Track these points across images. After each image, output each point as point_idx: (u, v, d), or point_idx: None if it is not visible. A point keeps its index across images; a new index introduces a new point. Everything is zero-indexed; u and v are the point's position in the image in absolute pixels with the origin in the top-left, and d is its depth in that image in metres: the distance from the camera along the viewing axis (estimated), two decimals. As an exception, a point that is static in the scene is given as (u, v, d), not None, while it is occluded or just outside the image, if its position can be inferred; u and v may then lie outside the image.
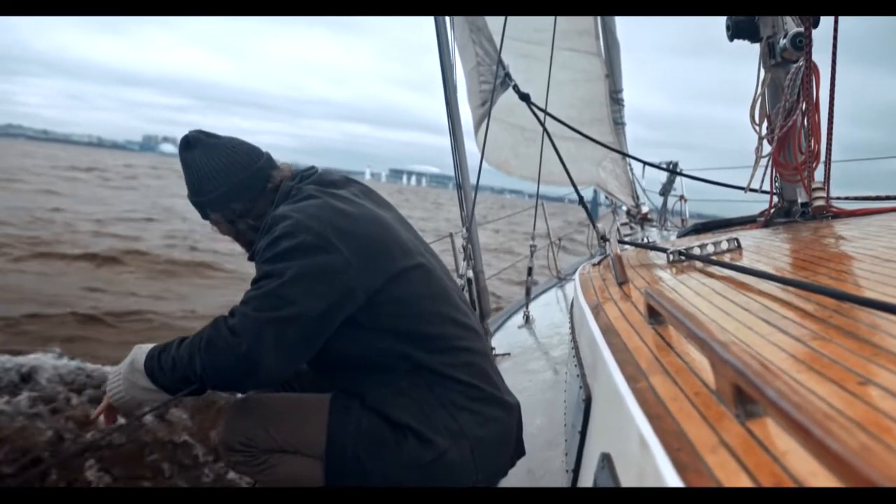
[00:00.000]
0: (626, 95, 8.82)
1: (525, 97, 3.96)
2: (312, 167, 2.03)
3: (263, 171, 1.97)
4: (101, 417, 1.84)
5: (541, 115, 3.98)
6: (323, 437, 1.79)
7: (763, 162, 3.46)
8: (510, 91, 4.24)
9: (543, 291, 6.80)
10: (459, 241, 4.20)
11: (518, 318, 5.49)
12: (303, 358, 1.78)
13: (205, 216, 1.99)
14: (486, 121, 4.90)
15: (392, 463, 1.75)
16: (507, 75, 4.45)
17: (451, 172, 4.28)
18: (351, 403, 1.82)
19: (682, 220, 10.11)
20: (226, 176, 1.91)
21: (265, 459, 1.83)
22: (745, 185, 3.59)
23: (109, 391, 1.80)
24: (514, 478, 2.47)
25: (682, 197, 10.58)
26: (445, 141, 4.28)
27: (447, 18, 4.31)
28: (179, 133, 2.03)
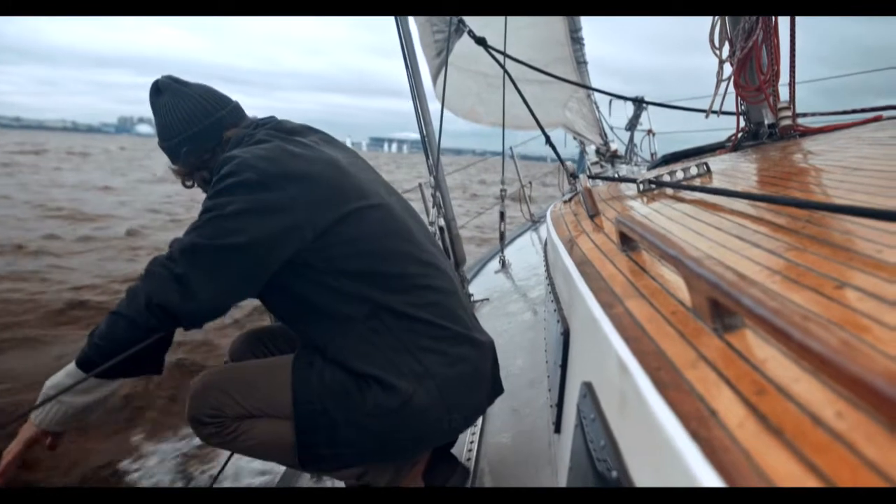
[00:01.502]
0: (591, 49, 8.74)
1: (481, 41, 3.89)
2: (271, 116, 2.00)
3: (223, 121, 1.96)
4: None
5: (500, 57, 3.92)
6: (289, 395, 1.77)
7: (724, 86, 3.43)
8: (468, 38, 4.16)
9: (518, 236, 6.82)
10: (429, 191, 4.17)
11: (494, 264, 5.50)
12: (242, 290, 1.73)
13: (173, 162, 2.00)
14: (443, 70, 4.83)
15: (359, 412, 1.73)
16: (461, 21, 4.36)
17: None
18: (313, 359, 1.80)
19: (652, 155, 10.11)
20: (187, 124, 1.92)
21: (235, 427, 1.81)
22: (714, 111, 3.57)
23: (36, 419, 1.69)
24: (499, 419, 2.48)
25: (649, 131, 10.57)
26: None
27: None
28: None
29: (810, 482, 0.50)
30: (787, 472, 0.52)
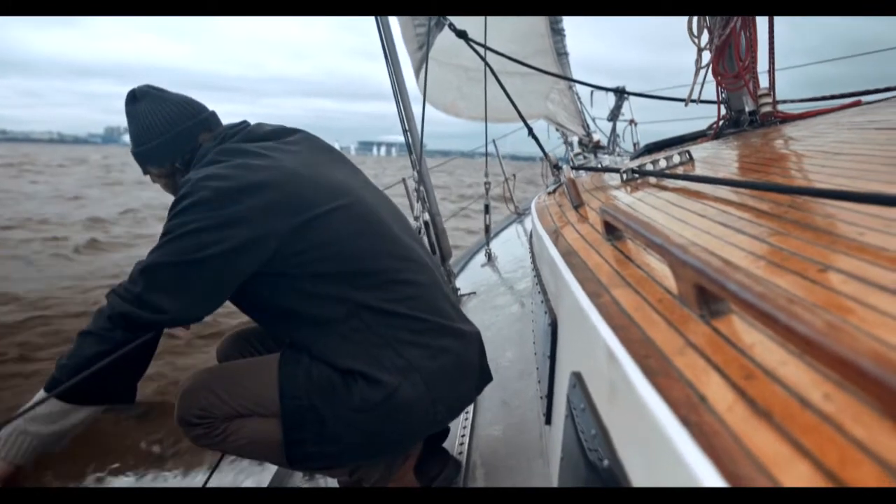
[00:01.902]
0: (578, 46, 8.75)
1: (462, 34, 3.89)
2: (243, 122, 1.99)
3: (202, 124, 1.97)
4: None
5: (481, 50, 3.92)
6: (276, 393, 1.77)
7: (705, 75, 3.45)
8: (449, 32, 4.15)
9: (503, 228, 6.83)
10: (412, 186, 4.17)
11: (480, 257, 5.51)
12: (207, 304, 1.73)
13: (144, 171, 2.01)
14: (424, 64, 4.82)
15: (345, 406, 1.74)
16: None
17: (423, 141, 4.22)
18: (299, 356, 1.80)
19: (634, 145, 10.15)
20: (170, 125, 1.93)
21: (224, 428, 1.81)
22: (693, 99, 3.58)
23: (2, 452, 1.65)
24: (490, 411, 2.49)
25: (631, 121, 10.61)
26: (412, 110, 4.20)
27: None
28: None
29: (798, 463, 0.51)
30: (775, 454, 0.53)
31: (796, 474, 0.50)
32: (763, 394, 0.62)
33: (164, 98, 1.96)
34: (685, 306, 0.89)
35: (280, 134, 1.94)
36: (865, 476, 0.47)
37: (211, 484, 2.17)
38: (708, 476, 0.55)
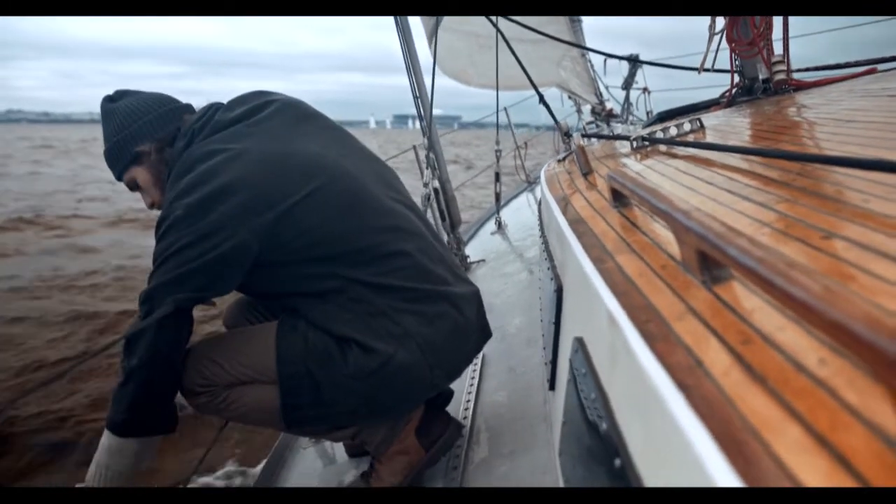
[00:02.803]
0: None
1: None
2: (209, 110, 1.97)
3: (183, 108, 2.02)
4: None
5: (493, 17, 3.88)
6: (274, 359, 1.80)
7: (717, 42, 3.41)
8: (460, -2, 4.11)
9: (514, 197, 6.82)
10: (423, 153, 4.16)
11: (490, 225, 5.51)
12: (210, 295, 1.79)
13: (127, 160, 1.96)
14: (437, 29, 4.79)
15: (340, 373, 1.76)
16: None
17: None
18: (297, 323, 1.82)
19: (647, 113, 10.08)
20: (155, 105, 1.97)
21: (226, 395, 1.84)
22: (707, 68, 3.55)
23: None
24: (495, 378, 2.51)
25: (645, 89, 10.53)
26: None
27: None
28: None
29: (790, 427, 0.51)
30: (768, 417, 0.53)
31: (787, 437, 0.50)
32: (759, 358, 0.62)
33: (143, 93, 2.01)
34: (688, 272, 0.89)
35: (251, 112, 1.91)
36: (854, 440, 0.47)
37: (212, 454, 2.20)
38: (701, 440, 0.55)
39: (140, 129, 1.92)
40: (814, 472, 0.46)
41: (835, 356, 0.58)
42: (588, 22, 8.49)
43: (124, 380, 1.70)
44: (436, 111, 4.26)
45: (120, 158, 1.95)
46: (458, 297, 1.89)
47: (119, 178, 2.00)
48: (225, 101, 2.00)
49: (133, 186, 1.99)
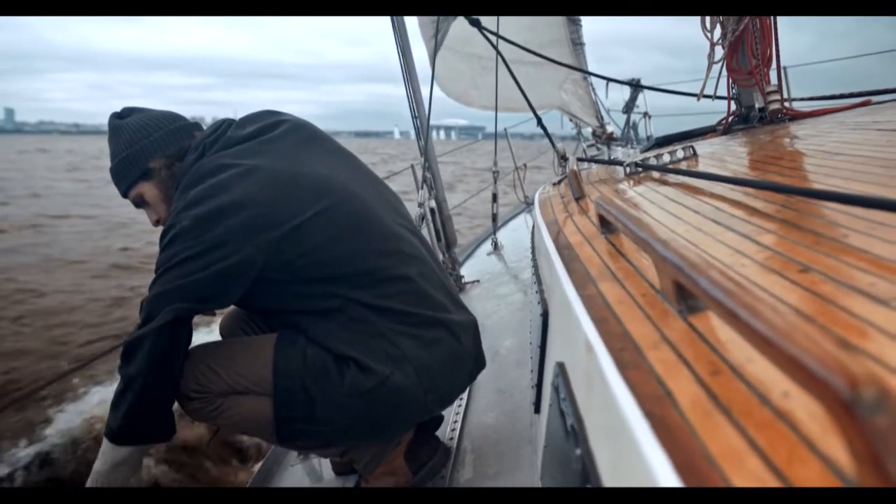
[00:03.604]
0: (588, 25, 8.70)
1: (475, 22, 3.88)
2: (222, 125, 1.98)
3: (192, 126, 2.03)
4: None
5: (494, 39, 3.91)
6: (271, 371, 1.80)
7: (717, 69, 3.44)
8: (463, 20, 4.14)
9: (511, 218, 6.83)
10: (420, 172, 4.17)
11: (487, 246, 5.51)
12: (211, 307, 1.82)
13: (135, 176, 1.96)
14: (436, 51, 4.83)
15: (336, 391, 1.77)
16: (457, 2, 4.34)
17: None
18: (296, 338, 1.83)
19: (648, 138, 10.11)
20: (164, 122, 1.97)
21: (220, 403, 1.84)
22: (706, 95, 3.58)
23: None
24: (484, 399, 2.51)
25: (645, 114, 10.58)
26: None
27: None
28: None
29: (749, 459, 0.52)
30: (729, 449, 0.54)
31: (745, 470, 0.51)
32: (726, 390, 0.63)
33: (150, 110, 2.03)
34: (666, 301, 0.90)
35: (262, 130, 1.93)
36: (810, 474, 0.48)
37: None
38: (662, 469, 0.56)
39: (150, 146, 1.93)
40: (766, 505, 0.47)
41: (798, 389, 0.59)
42: (591, 46, 8.53)
43: (123, 387, 1.71)
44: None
45: (128, 174, 1.95)
46: (456, 324, 1.90)
47: (125, 195, 2.00)
48: (253, 111, 2.03)
49: (139, 203, 1.99)
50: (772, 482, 0.49)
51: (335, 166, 1.94)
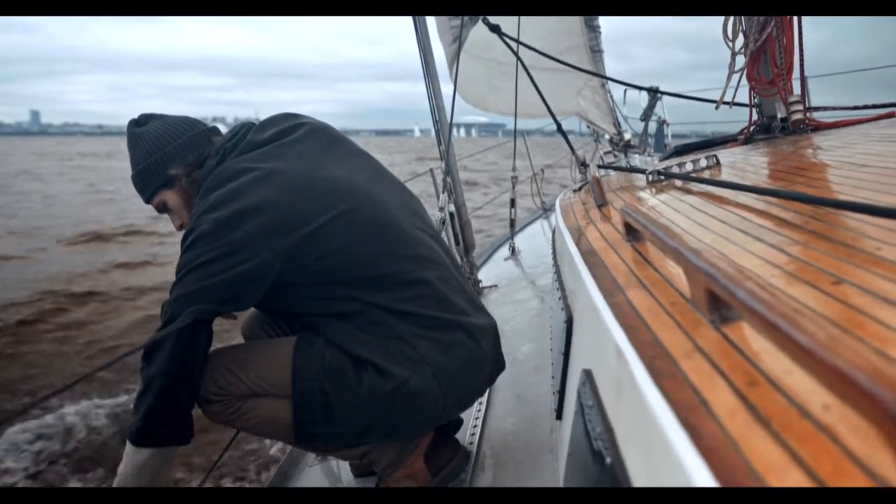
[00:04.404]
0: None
1: (495, 28, 3.88)
2: (243, 128, 2.00)
3: (210, 131, 2.05)
4: None
5: (514, 45, 3.91)
6: (290, 374, 1.82)
7: (738, 78, 3.43)
8: (482, 26, 4.15)
9: (529, 223, 6.82)
10: (440, 176, 4.18)
11: (504, 251, 5.51)
12: (231, 309, 1.84)
13: (157, 185, 1.98)
14: (457, 58, 4.83)
15: (355, 394, 1.78)
16: (476, 8, 4.34)
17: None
18: (315, 340, 1.84)
19: (665, 146, 10.06)
20: (184, 129, 2.00)
21: (239, 406, 1.85)
22: (725, 102, 3.56)
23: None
24: (503, 404, 2.51)
25: (664, 121, 10.52)
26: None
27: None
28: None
29: (793, 472, 0.52)
30: (771, 461, 0.54)
31: (789, 482, 0.51)
32: (764, 401, 0.63)
33: (169, 117, 2.05)
34: (697, 311, 0.90)
35: (282, 134, 1.94)
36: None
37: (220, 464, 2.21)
38: (703, 479, 0.56)
39: (170, 154, 1.95)
40: (812, 518, 0.47)
41: (839, 403, 0.58)
42: (607, 44, 8.50)
43: (143, 389, 1.72)
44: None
45: (150, 182, 1.97)
46: (476, 327, 1.90)
47: (148, 202, 2.02)
48: (272, 112, 2.05)
49: (162, 209, 2.02)
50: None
51: (354, 169, 1.95)
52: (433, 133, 4.43)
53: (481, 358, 1.91)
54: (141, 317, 8.61)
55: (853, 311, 0.76)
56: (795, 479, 0.51)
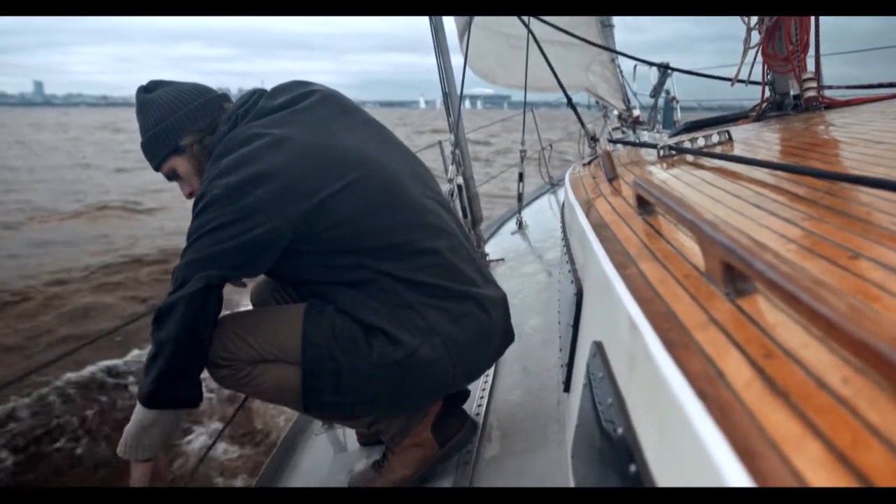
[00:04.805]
0: None
1: (506, -1, 3.85)
2: (254, 95, 1.98)
3: (221, 97, 2.04)
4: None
5: (525, 17, 3.87)
6: (300, 340, 1.82)
7: (752, 55, 3.40)
8: (493, -2, 4.11)
9: (536, 198, 6.81)
10: (448, 149, 4.17)
11: (511, 225, 5.51)
12: (241, 275, 1.84)
13: (167, 151, 1.97)
14: (468, 28, 4.80)
15: (364, 361, 1.78)
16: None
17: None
18: (325, 307, 1.84)
19: (674, 123, 10.00)
20: (193, 96, 1.97)
21: (249, 371, 1.85)
22: (740, 80, 3.53)
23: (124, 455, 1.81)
24: (510, 377, 2.51)
25: (673, 98, 10.46)
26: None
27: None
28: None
29: (811, 443, 0.51)
30: (788, 432, 0.53)
31: (808, 453, 0.51)
32: (781, 373, 0.62)
33: (179, 83, 2.02)
34: (711, 283, 0.89)
35: (294, 101, 1.92)
36: (876, 459, 0.48)
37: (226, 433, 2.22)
38: (719, 450, 0.55)
39: (181, 120, 1.94)
40: (833, 489, 0.46)
41: (858, 375, 0.58)
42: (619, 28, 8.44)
43: (154, 352, 1.72)
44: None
45: (160, 149, 1.96)
46: (486, 298, 1.90)
47: (157, 169, 2.01)
48: (277, 83, 2.02)
49: (171, 176, 2.00)
50: (835, 467, 0.48)
51: (366, 138, 1.94)
52: (438, 104, 4.41)
53: (491, 329, 1.91)
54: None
55: (870, 286, 0.76)
56: (814, 449, 0.51)
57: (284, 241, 1.74)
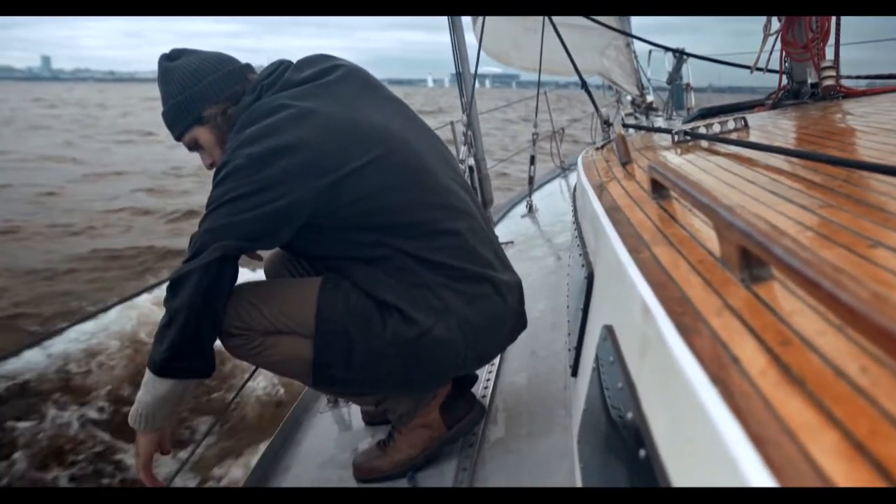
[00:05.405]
0: None
1: (524, -20, 3.82)
2: (280, 67, 1.96)
3: (245, 68, 2.00)
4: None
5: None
6: (314, 314, 1.81)
7: (771, 42, 3.36)
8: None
9: (547, 181, 6.78)
10: (460, 129, 4.15)
11: (521, 208, 5.49)
12: (258, 247, 1.85)
13: (190, 121, 1.94)
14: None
15: (378, 338, 1.77)
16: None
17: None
18: (341, 282, 1.83)
19: (688, 110, 9.93)
20: (219, 65, 1.94)
21: (261, 342, 1.84)
22: (759, 67, 3.50)
23: (134, 425, 1.81)
24: (517, 360, 2.51)
25: (687, 85, 10.39)
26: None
27: None
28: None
29: (828, 431, 0.50)
30: (805, 420, 0.52)
31: (824, 442, 0.50)
32: (798, 361, 0.61)
33: (201, 51, 1.99)
34: (726, 269, 0.88)
35: (320, 74, 1.90)
36: (894, 450, 0.47)
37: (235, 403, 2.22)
38: (733, 435, 0.54)
39: (204, 90, 1.91)
40: (851, 479, 0.45)
41: (876, 365, 0.57)
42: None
43: (167, 321, 1.71)
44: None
45: (182, 119, 1.93)
46: (502, 283, 1.89)
47: (178, 138, 1.98)
48: (286, 59, 2.00)
49: (193, 146, 1.98)
50: (853, 456, 0.47)
51: (390, 115, 1.92)
52: (446, 84, 4.39)
53: (505, 314, 1.90)
54: None
55: (890, 275, 0.75)
56: (831, 439, 0.50)
57: (305, 215, 1.73)
